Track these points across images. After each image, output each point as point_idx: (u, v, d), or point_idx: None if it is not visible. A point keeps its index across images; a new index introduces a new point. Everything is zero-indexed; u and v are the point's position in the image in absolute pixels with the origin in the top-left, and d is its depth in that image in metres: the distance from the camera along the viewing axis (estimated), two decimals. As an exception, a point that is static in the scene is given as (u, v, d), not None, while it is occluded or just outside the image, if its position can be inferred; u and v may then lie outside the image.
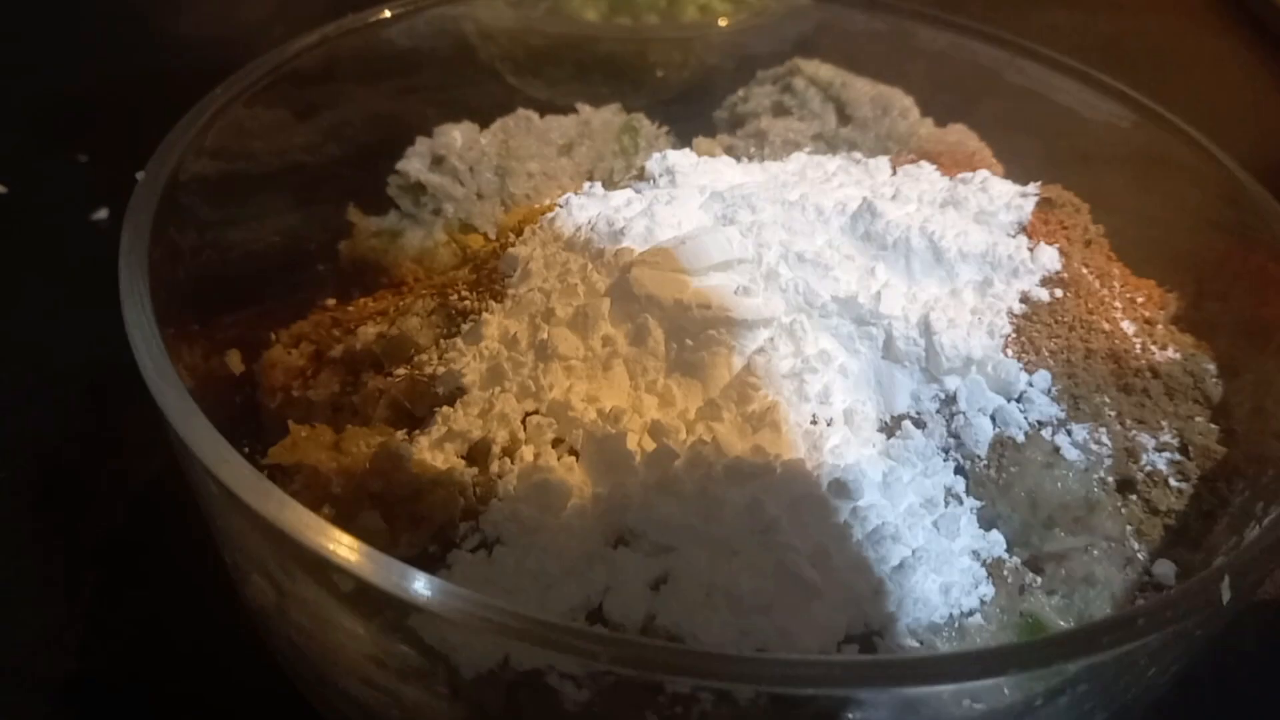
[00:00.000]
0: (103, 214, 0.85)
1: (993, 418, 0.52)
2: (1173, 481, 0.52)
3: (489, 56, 0.86)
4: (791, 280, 0.54)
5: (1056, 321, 0.54)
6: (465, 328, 0.55)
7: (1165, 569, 0.50)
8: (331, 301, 0.67)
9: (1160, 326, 0.58)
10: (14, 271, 0.81)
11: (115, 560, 0.63)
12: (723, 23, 0.90)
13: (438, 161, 0.69)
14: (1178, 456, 0.53)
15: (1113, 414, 0.53)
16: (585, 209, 0.60)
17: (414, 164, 0.69)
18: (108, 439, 0.69)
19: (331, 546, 0.39)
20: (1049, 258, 0.56)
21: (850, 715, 0.39)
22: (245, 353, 0.60)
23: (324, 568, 0.40)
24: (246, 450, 0.57)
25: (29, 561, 0.62)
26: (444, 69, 0.76)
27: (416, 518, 0.49)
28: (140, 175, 0.54)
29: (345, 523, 0.47)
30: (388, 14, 0.70)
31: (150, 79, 1.00)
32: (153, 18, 1.11)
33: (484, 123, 0.71)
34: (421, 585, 0.38)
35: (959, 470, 0.51)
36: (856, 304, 0.54)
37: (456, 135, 0.69)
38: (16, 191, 0.88)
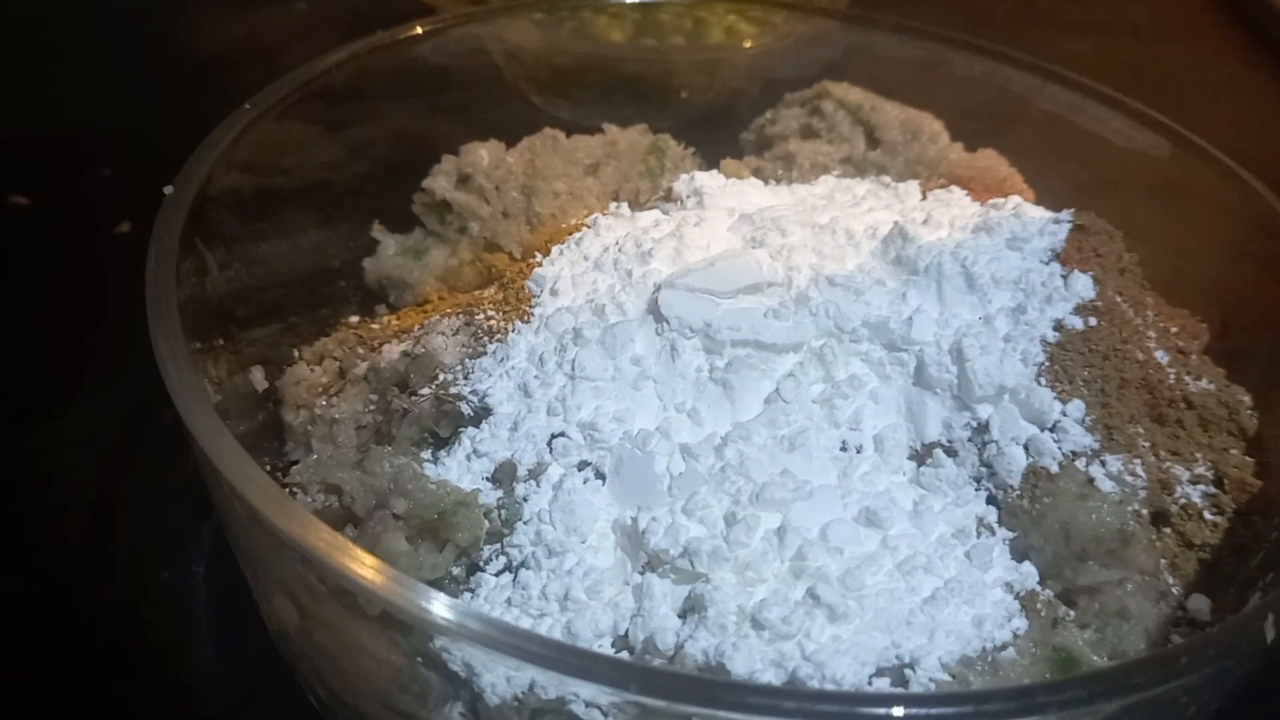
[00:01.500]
0: (125, 227, 0.85)
1: (1026, 447, 0.51)
2: (1207, 514, 0.51)
3: (514, 76, 0.86)
4: (822, 304, 0.54)
5: (1090, 350, 0.53)
6: (492, 347, 0.54)
7: (1200, 604, 0.49)
8: (355, 319, 0.67)
9: (1194, 357, 0.57)
10: (38, 283, 0.81)
11: (140, 572, 0.63)
12: (748, 45, 0.90)
13: (464, 180, 0.68)
14: (1212, 489, 0.52)
15: (1146, 445, 0.52)
16: (613, 229, 0.59)
17: (440, 182, 0.69)
18: (132, 450, 0.68)
19: (356, 568, 0.38)
20: (1083, 285, 0.55)
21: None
22: (268, 369, 0.60)
23: (348, 590, 0.39)
24: (269, 467, 0.57)
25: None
26: (471, 88, 0.75)
27: (440, 540, 0.48)
28: (169, 190, 0.53)
29: (369, 544, 0.47)
30: (417, 31, 0.70)
31: (170, 93, 1.00)
32: (175, 32, 1.12)
33: (510, 142, 0.71)
34: (446, 609, 0.37)
35: (991, 500, 0.50)
36: (888, 329, 0.53)
37: (483, 154, 0.69)
38: (40, 204, 0.88)
